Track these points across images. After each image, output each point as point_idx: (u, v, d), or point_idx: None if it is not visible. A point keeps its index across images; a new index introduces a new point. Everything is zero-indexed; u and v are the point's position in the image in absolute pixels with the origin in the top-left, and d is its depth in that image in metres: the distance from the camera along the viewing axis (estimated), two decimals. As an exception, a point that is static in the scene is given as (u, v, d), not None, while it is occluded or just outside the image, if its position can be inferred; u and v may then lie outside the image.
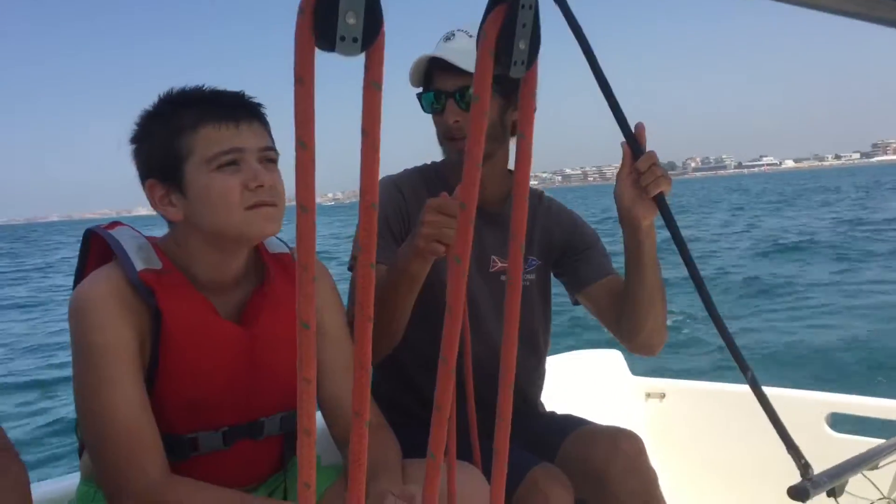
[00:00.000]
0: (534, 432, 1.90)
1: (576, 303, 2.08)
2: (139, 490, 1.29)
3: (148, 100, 1.46)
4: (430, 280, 1.64)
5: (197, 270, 1.44)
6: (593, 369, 3.02)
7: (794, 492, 1.62)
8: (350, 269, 1.83)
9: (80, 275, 1.49)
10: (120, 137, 1.45)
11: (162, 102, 1.43)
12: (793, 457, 1.67)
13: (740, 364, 1.64)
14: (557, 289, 2.13)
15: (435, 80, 1.81)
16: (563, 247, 2.03)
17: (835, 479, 1.68)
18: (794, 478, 1.62)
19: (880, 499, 1.98)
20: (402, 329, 1.72)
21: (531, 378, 2.09)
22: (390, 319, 1.69)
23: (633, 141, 1.63)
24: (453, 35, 1.80)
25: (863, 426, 2.45)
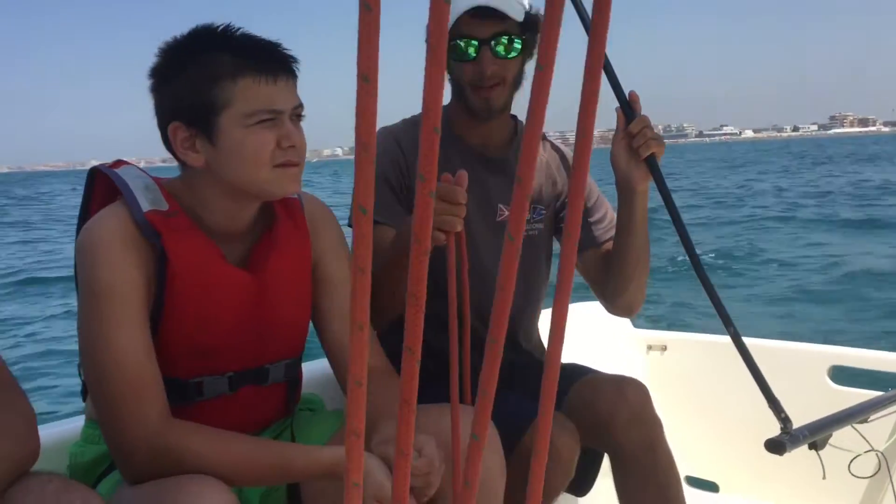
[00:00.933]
0: (538, 381, 1.79)
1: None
2: (139, 434, 1.28)
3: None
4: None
5: (207, 216, 1.42)
6: (595, 322, 2.99)
7: (770, 445, 1.64)
8: (350, 224, 1.80)
9: (84, 214, 1.46)
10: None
11: (193, 39, 1.38)
12: (773, 410, 1.70)
13: (723, 317, 1.70)
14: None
15: (465, 27, 1.76)
16: (565, 199, 2.01)
17: (816, 433, 1.70)
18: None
19: (867, 451, 2.00)
20: (400, 304, 1.69)
21: (532, 329, 2.07)
22: (394, 293, 1.67)
23: (627, 106, 1.70)
24: None
25: (868, 380, 2.46)
